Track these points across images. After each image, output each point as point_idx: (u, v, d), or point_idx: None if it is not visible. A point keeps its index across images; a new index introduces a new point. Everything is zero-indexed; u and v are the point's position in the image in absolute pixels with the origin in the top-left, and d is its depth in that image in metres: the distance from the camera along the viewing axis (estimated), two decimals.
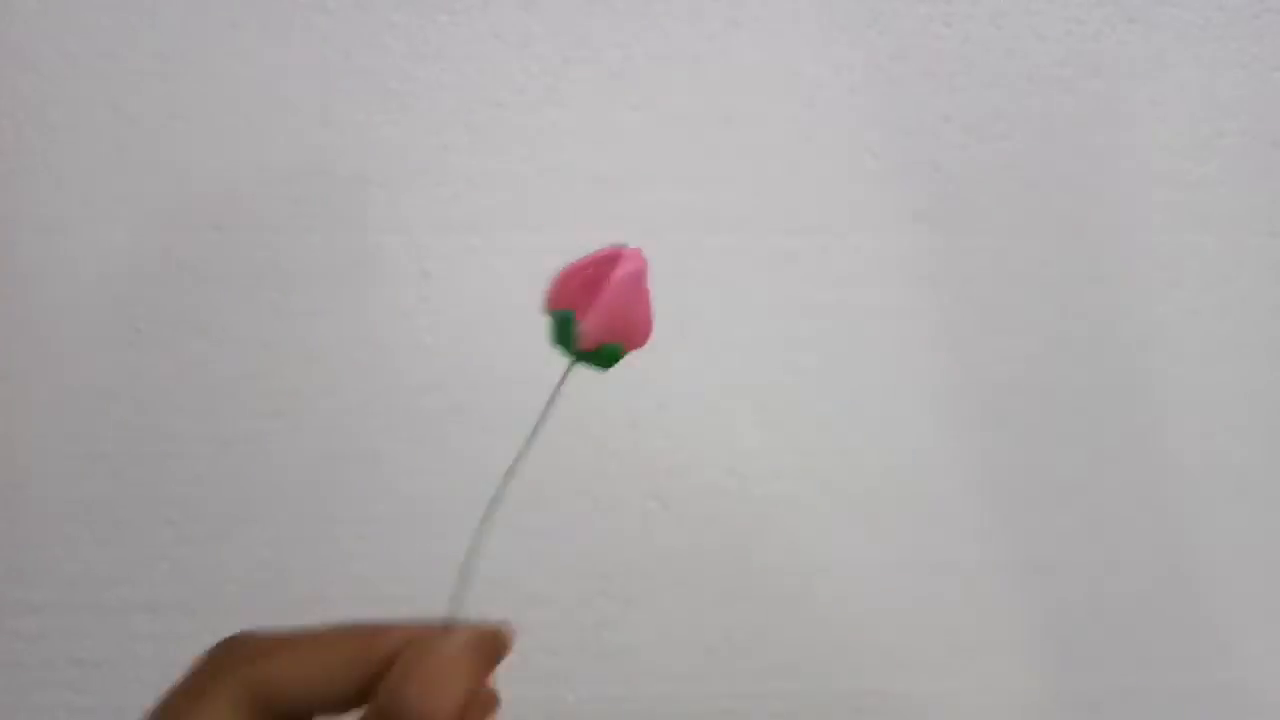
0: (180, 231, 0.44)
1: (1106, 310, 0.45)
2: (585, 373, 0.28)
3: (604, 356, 0.23)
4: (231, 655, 0.25)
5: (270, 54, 0.44)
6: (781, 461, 0.45)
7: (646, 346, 0.23)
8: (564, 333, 0.23)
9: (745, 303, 0.45)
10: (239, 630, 0.26)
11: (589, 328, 0.23)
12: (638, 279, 0.23)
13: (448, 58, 0.44)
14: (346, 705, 0.24)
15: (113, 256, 0.44)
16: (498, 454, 0.45)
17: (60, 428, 0.44)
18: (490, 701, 0.26)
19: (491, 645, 0.25)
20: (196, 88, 0.44)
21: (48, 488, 0.44)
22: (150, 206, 0.44)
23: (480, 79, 0.44)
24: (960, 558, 0.45)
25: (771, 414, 0.45)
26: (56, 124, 0.43)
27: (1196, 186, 0.46)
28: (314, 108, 0.44)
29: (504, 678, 0.44)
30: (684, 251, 0.44)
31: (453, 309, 0.44)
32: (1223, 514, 0.46)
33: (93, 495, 0.44)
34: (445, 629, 0.25)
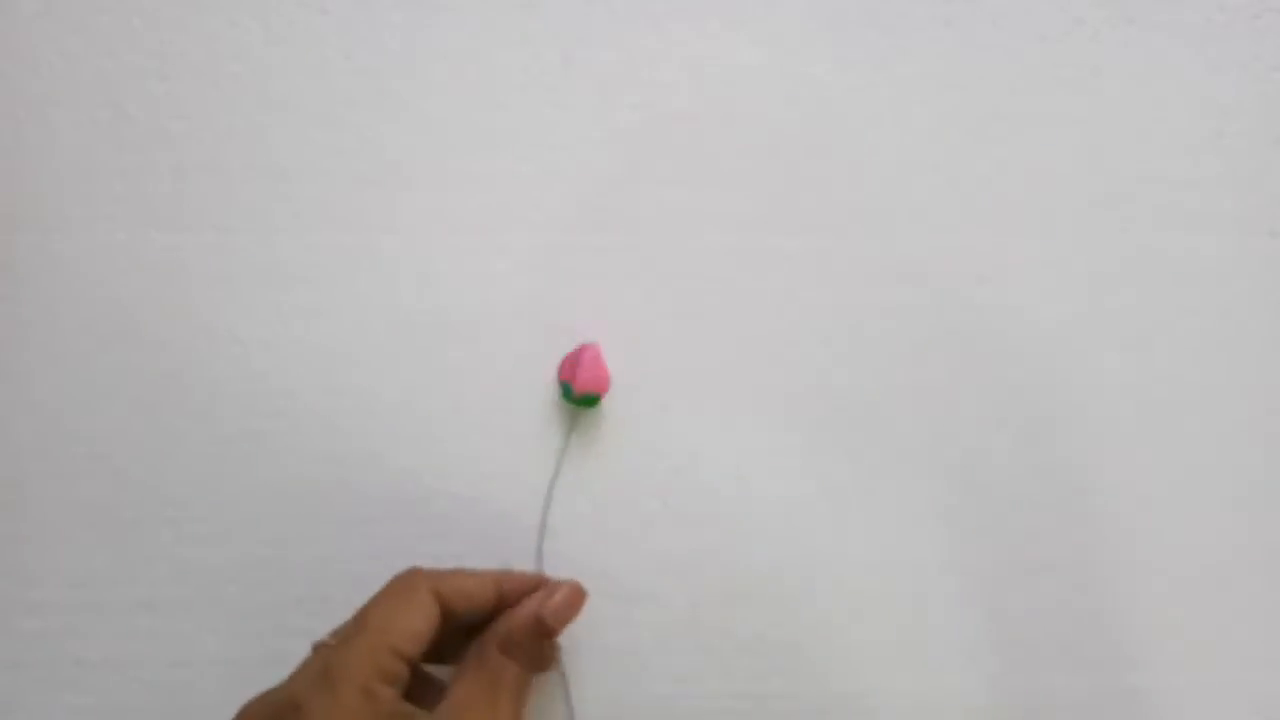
0: (180, 231, 0.44)
1: (1106, 310, 0.45)
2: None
3: (587, 400, 0.43)
4: (420, 571, 0.38)
5: (270, 54, 0.44)
6: (782, 461, 0.45)
7: (608, 384, 0.44)
8: (566, 391, 0.43)
9: (745, 303, 0.45)
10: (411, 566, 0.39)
11: (576, 387, 0.43)
12: (596, 358, 0.43)
13: (448, 58, 0.44)
14: (485, 614, 0.39)
15: (113, 256, 0.44)
16: (498, 454, 0.45)
17: (60, 428, 0.44)
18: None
19: (581, 597, 0.41)
20: (196, 88, 0.44)
21: (48, 488, 0.44)
22: (150, 206, 0.44)
23: (480, 79, 0.44)
24: (963, 558, 0.45)
25: (772, 414, 0.45)
26: (56, 124, 0.43)
27: (1196, 186, 0.46)
28: (314, 108, 0.44)
29: None
30: (684, 251, 0.45)
31: (453, 309, 0.44)
32: (1224, 516, 0.46)
33: (93, 495, 0.44)
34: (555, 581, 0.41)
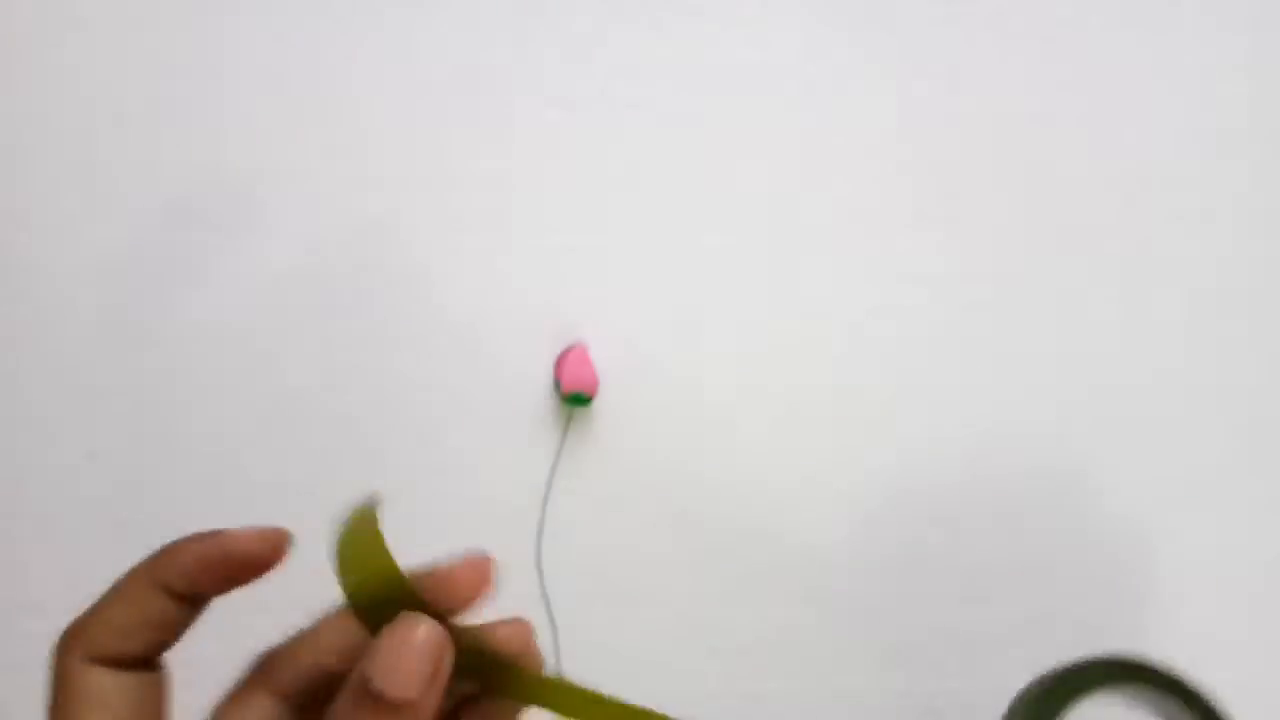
0: (180, 231, 0.44)
1: (1106, 310, 0.45)
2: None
3: (578, 399, 0.43)
4: (61, 642, 0.27)
5: (270, 54, 0.44)
6: (782, 461, 0.45)
7: (600, 383, 0.44)
8: (557, 389, 0.43)
9: (745, 303, 0.45)
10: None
11: (564, 386, 0.43)
12: (582, 358, 0.43)
13: (448, 58, 0.44)
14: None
15: (113, 256, 0.44)
16: (498, 454, 0.45)
17: (60, 428, 0.44)
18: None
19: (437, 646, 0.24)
20: (196, 88, 0.44)
21: (48, 488, 0.44)
22: (150, 206, 0.44)
23: (480, 79, 0.44)
24: (961, 555, 0.45)
25: (772, 413, 0.45)
26: (56, 124, 0.43)
27: (1196, 186, 0.46)
28: (314, 108, 0.44)
29: None
30: (684, 251, 0.45)
31: (453, 309, 0.44)
32: (1225, 515, 0.46)
33: (93, 495, 0.44)
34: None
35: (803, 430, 0.45)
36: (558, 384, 0.43)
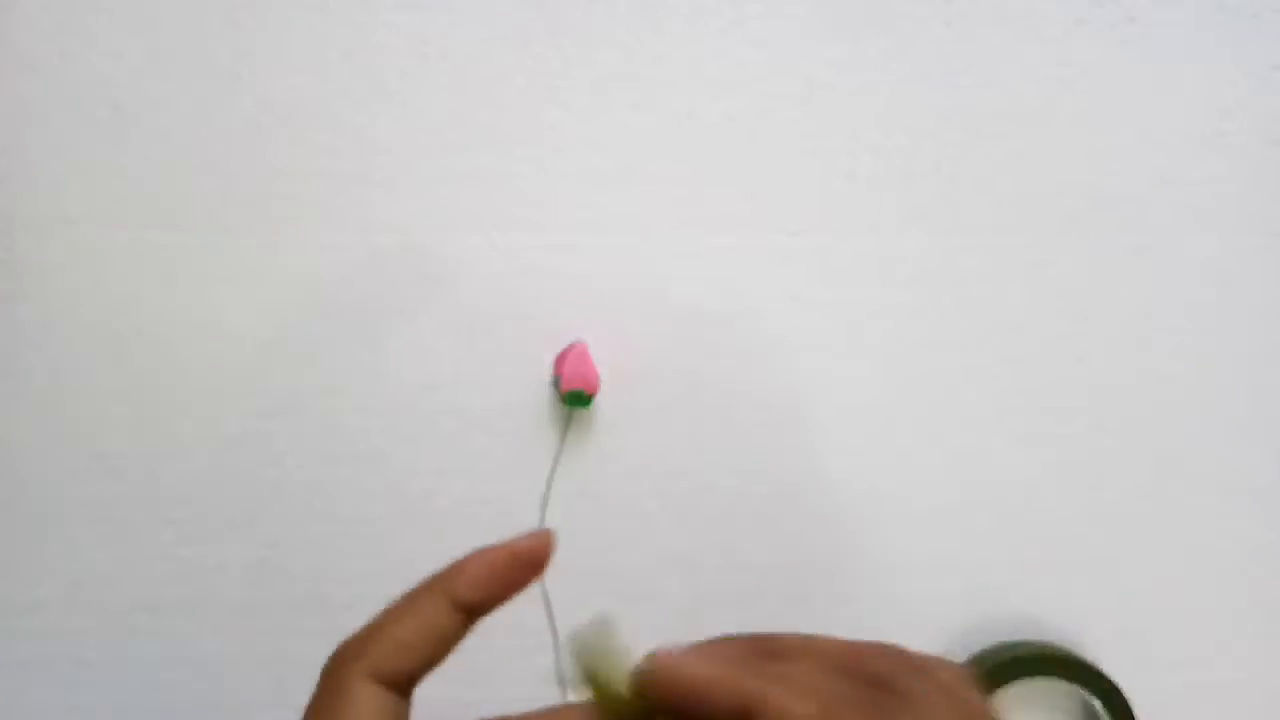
0: (180, 231, 0.44)
1: (1106, 310, 0.45)
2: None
3: (577, 398, 0.43)
4: (345, 654, 0.27)
5: (270, 54, 0.44)
6: (781, 461, 0.45)
7: (602, 385, 0.44)
8: (557, 388, 0.44)
9: (745, 303, 0.45)
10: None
11: (563, 384, 0.43)
12: (582, 356, 0.43)
13: (448, 58, 0.44)
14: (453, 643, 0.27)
15: (113, 256, 0.44)
16: (498, 454, 0.45)
17: (60, 428, 0.44)
18: None
19: None
20: (196, 88, 0.44)
21: (48, 488, 0.44)
22: (150, 206, 0.44)
23: (480, 79, 0.44)
24: (957, 556, 0.45)
25: (771, 413, 0.45)
26: (56, 124, 0.43)
27: (1196, 186, 0.45)
28: (314, 108, 0.44)
29: (503, 677, 0.44)
30: (684, 251, 0.44)
31: (453, 309, 0.44)
32: (1225, 515, 0.46)
33: (93, 495, 0.44)
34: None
35: (802, 429, 0.45)
36: (557, 382, 0.43)
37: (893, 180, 0.45)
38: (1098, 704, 0.43)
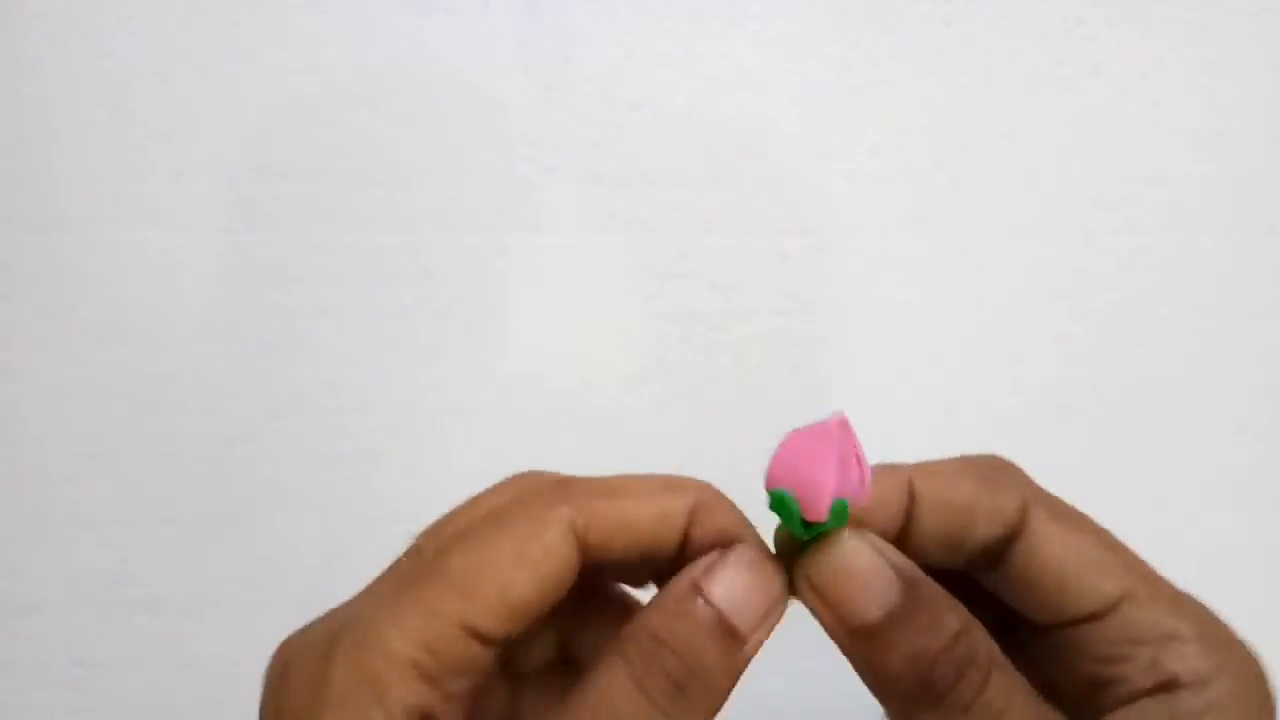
0: (180, 231, 0.44)
1: (1106, 310, 0.45)
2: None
3: (776, 502, 0.23)
4: (555, 483, 0.23)
5: (270, 54, 0.44)
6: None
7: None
8: (787, 509, 0.23)
9: (744, 303, 0.45)
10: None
11: (771, 474, 0.23)
12: (819, 438, 0.23)
13: (447, 58, 0.44)
14: (665, 558, 0.23)
15: (113, 256, 0.44)
16: (498, 454, 0.45)
17: (60, 428, 0.44)
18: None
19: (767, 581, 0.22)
20: (196, 88, 0.44)
21: (48, 488, 0.44)
22: (150, 206, 0.44)
23: (480, 79, 0.44)
24: None
25: (771, 414, 0.45)
26: (56, 124, 0.43)
27: (1196, 186, 0.45)
28: (314, 107, 0.44)
29: None
30: (684, 251, 0.44)
31: (453, 309, 0.44)
32: (1224, 516, 0.46)
33: (93, 495, 0.44)
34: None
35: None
36: (782, 500, 0.22)
37: (893, 180, 0.45)
38: None
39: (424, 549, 0.23)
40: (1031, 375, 0.45)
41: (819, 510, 0.21)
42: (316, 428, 0.44)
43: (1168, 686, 0.22)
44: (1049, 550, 0.23)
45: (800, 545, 0.22)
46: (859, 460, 0.23)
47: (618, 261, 0.44)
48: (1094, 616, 0.23)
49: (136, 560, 0.44)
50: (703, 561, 0.22)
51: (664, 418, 0.45)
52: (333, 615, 0.23)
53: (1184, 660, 0.22)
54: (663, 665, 0.20)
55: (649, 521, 0.23)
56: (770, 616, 0.22)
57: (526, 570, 0.21)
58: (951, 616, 0.21)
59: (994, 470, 0.26)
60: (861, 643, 0.21)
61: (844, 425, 0.23)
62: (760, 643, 0.21)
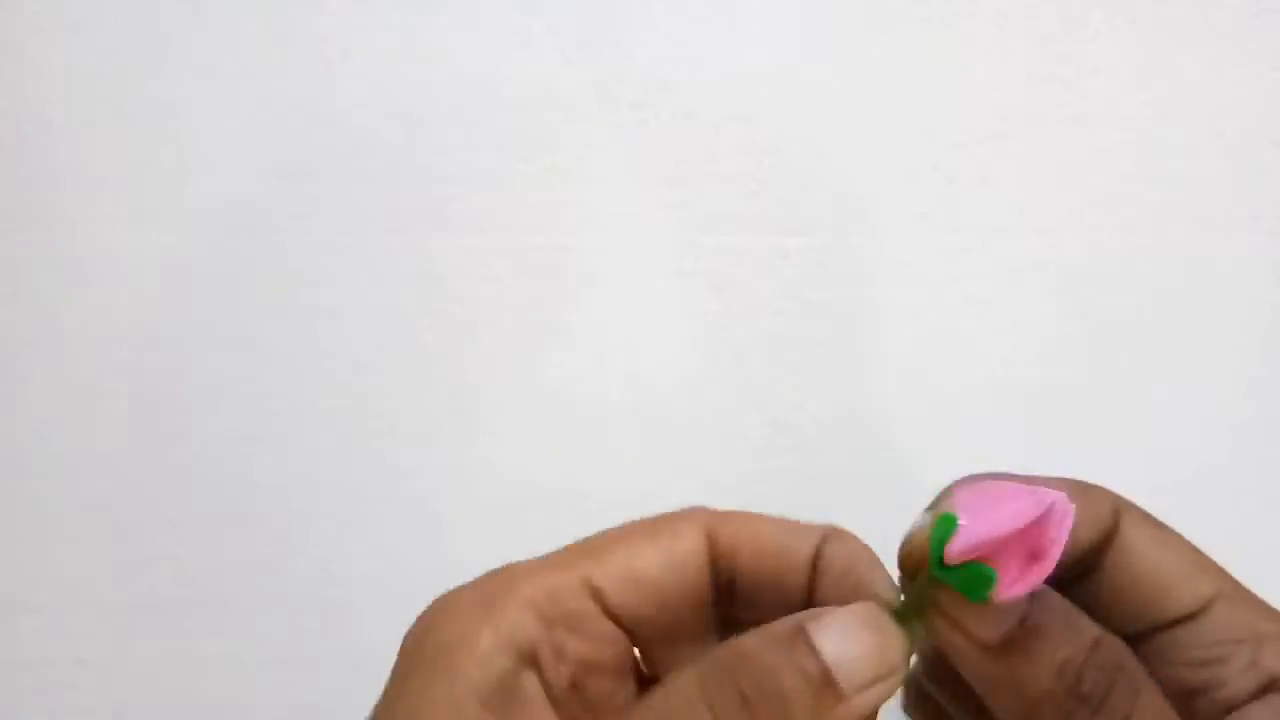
0: (180, 231, 0.44)
1: (1106, 310, 0.45)
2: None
3: (964, 579, 0.20)
4: (699, 508, 0.23)
5: (270, 54, 0.44)
6: (782, 461, 0.45)
7: None
8: (939, 537, 0.20)
9: (744, 303, 0.45)
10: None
11: (959, 545, 0.20)
12: (1042, 530, 0.20)
13: (447, 58, 0.44)
14: (792, 590, 0.22)
15: (113, 256, 0.44)
16: (498, 454, 0.45)
17: (60, 428, 0.44)
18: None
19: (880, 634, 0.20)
20: (196, 88, 0.44)
21: (48, 488, 0.44)
22: (150, 206, 0.44)
23: (480, 79, 0.44)
24: None
25: (771, 414, 0.45)
26: (56, 124, 0.43)
27: (1196, 186, 0.45)
28: (314, 107, 0.44)
29: None
30: (684, 251, 0.44)
31: (452, 309, 0.44)
32: (1224, 516, 0.46)
33: (93, 495, 0.44)
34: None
35: (802, 431, 0.45)
36: (978, 573, 0.20)
37: (893, 180, 0.45)
38: None
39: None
40: (1031, 375, 0.45)
41: (1006, 592, 0.19)
42: (316, 428, 0.44)
43: (1271, 687, 0.21)
44: (1145, 553, 0.23)
45: (930, 577, 0.21)
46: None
47: (618, 261, 0.44)
48: (1189, 618, 0.22)
49: (136, 560, 0.44)
50: (822, 609, 0.21)
51: (664, 418, 0.45)
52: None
53: None
54: (737, 682, 0.19)
55: (778, 535, 0.23)
56: (881, 684, 0.20)
57: (654, 549, 0.22)
58: (1085, 622, 0.20)
59: (1082, 481, 0.24)
60: (1001, 661, 0.20)
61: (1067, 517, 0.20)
62: (862, 709, 0.19)
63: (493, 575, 0.22)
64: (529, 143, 0.44)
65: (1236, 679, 0.21)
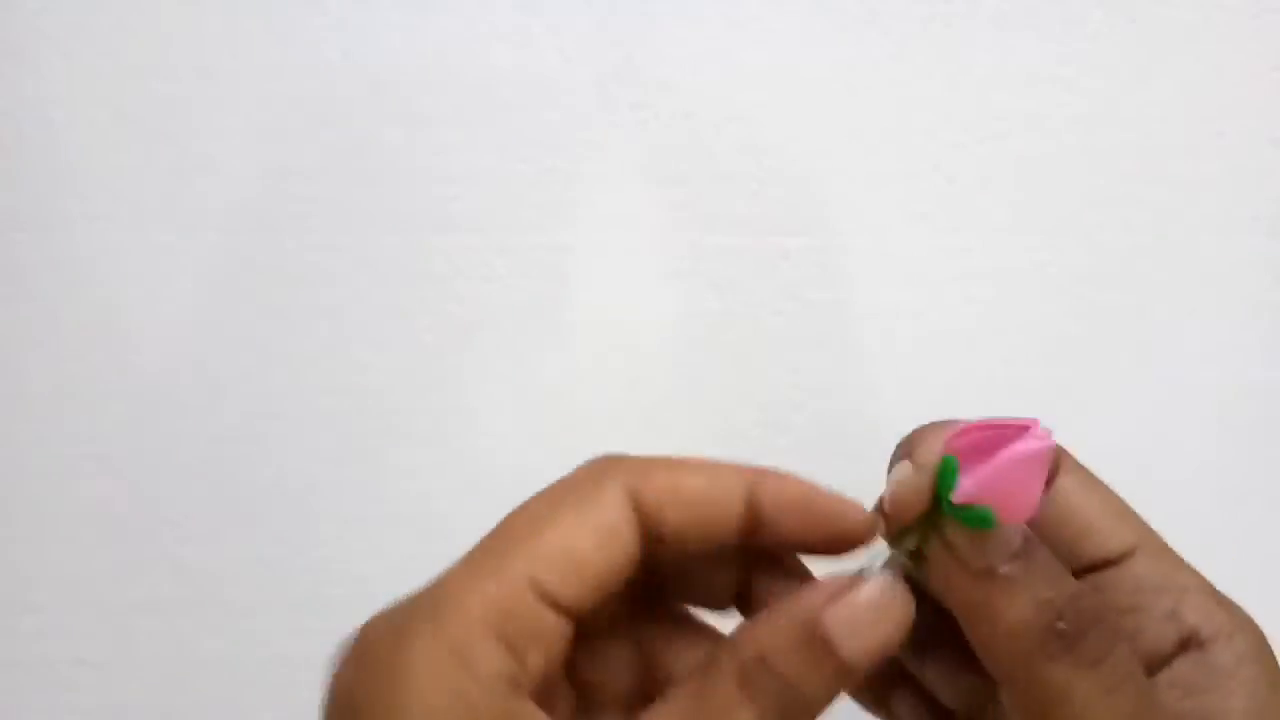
0: (180, 231, 0.44)
1: (1106, 311, 0.45)
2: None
3: (971, 516, 0.21)
4: (617, 460, 0.23)
5: (270, 54, 0.44)
6: (782, 461, 0.45)
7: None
8: (944, 479, 0.22)
9: (744, 303, 0.45)
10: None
11: (967, 487, 0.21)
12: (1036, 461, 0.21)
13: (448, 58, 0.44)
14: (724, 538, 0.23)
15: (113, 256, 0.44)
16: (498, 454, 0.45)
17: (60, 428, 0.44)
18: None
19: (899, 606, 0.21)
20: (196, 88, 0.44)
21: (48, 488, 0.44)
22: (150, 206, 0.44)
23: (480, 79, 0.44)
24: None
25: (771, 414, 0.45)
26: (56, 124, 0.43)
27: (1196, 186, 0.45)
28: (314, 107, 0.44)
29: None
30: (684, 251, 0.44)
31: (452, 309, 0.44)
32: (1224, 516, 0.46)
33: (93, 495, 0.44)
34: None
35: (802, 431, 0.45)
36: (952, 473, 0.22)
37: (893, 180, 0.45)
38: None
39: (492, 529, 0.23)
40: (1031, 376, 0.45)
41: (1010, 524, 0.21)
42: (316, 428, 0.44)
43: (1192, 642, 0.22)
44: (1072, 496, 0.24)
45: (933, 507, 0.22)
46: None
47: (618, 261, 0.44)
48: (1110, 563, 0.23)
49: (136, 560, 0.44)
50: (827, 589, 0.21)
51: (664, 417, 0.45)
52: (405, 599, 0.23)
53: (1200, 612, 0.22)
54: (771, 691, 0.20)
55: (704, 485, 0.23)
56: (891, 644, 0.21)
57: (587, 528, 0.21)
58: (1070, 577, 0.21)
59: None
60: (984, 586, 0.20)
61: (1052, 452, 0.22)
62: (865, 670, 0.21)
63: (430, 597, 0.21)
64: (529, 143, 0.44)
65: (1155, 627, 0.22)
